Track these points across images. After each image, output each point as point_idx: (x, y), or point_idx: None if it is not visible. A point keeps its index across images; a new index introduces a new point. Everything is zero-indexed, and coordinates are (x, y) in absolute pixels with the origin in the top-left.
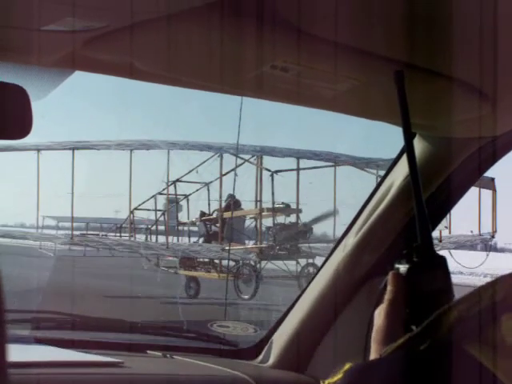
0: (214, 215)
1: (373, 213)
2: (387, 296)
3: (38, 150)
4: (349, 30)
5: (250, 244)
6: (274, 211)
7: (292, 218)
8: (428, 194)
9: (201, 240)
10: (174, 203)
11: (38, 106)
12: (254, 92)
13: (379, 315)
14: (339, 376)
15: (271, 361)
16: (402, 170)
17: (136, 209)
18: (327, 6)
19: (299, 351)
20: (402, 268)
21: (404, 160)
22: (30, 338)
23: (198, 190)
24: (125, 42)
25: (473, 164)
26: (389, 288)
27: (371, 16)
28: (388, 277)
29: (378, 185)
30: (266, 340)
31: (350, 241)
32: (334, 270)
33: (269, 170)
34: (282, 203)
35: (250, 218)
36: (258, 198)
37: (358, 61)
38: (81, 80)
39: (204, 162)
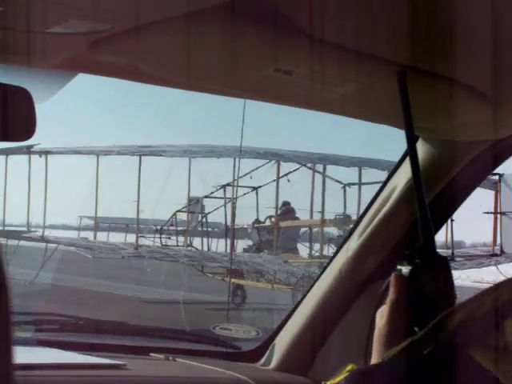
0: (267, 223)
1: (375, 216)
2: (389, 297)
3: (106, 154)
4: (352, 32)
5: (306, 255)
6: (336, 222)
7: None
8: (431, 198)
9: (253, 248)
10: (195, 204)
11: (41, 109)
12: (258, 95)
13: (381, 317)
14: (340, 378)
15: (273, 363)
16: (404, 173)
17: (179, 211)
18: (330, 9)
19: (301, 354)
20: (404, 269)
21: (407, 163)
22: (32, 341)
23: (245, 194)
24: (129, 45)
25: (475, 167)
26: (391, 289)
27: (374, 19)
28: (390, 278)
29: (381, 188)
30: (268, 343)
31: (353, 244)
32: (337, 273)
33: (340, 182)
34: (343, 214)
35: (305, 227)
36: (320, 209)
37: (361, 63)
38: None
39: (259, 167)
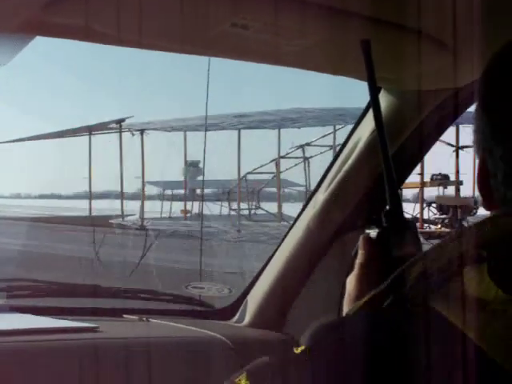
0: None
1: (341, 168)
2: (358, 260)
3: (209, 129)
4: None
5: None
6: (435, 184)
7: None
8: (395, 149)
9: None
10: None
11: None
12: (216, 51)
13: (351, 280)
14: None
15: (247, 320)
16: (368, 124)
17: (249, 173)
18: None
19: (274, 309)
20: (372, 233)
21: (370, 115)
22: (4, 307)
23: (322, 153)
24: (83, 5)
25: (438, 116)
26: (359, 252)
27: None
28: (359, 241)
29: (346, 139)
30: (241, 300)
31: (320, 197)
32: (305, 227)
33: (451, 145)
34: (439, 174)
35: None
36: (419, 171)
37: (318, 16)
38: None
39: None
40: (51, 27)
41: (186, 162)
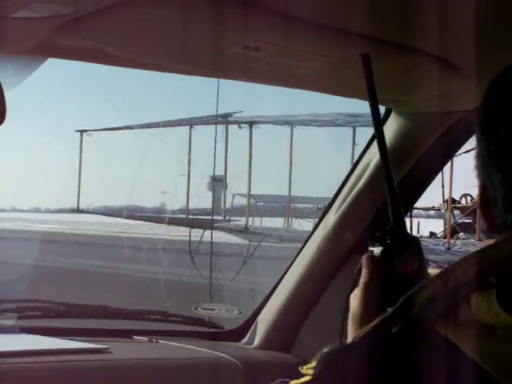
0: (463, 202)
1: (352, 190)
2: (362, 279)
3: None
4: (319, 7)
5: None
6: None
7: None
8: (406, 170)
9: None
10: None
11: (11, 95)
12: (227, 73)
13: (354, 299)
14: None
15: (256, 342)
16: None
17: None
18: None
19: (284, 331)
20: (376, 250)
21: None
22: (15, 328)
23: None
24: (94, 27)
25: (450, 138)
26: (363, 271)
27: None
28: (362, 260)
29: (357, 161)
30: (251, 321)
31: (331, 218)
32: (316, 249)
33: None
34: None
35: None
36: None
37: (330, 38)
38: None
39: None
40: (63, 49)
41: (291, 169)
